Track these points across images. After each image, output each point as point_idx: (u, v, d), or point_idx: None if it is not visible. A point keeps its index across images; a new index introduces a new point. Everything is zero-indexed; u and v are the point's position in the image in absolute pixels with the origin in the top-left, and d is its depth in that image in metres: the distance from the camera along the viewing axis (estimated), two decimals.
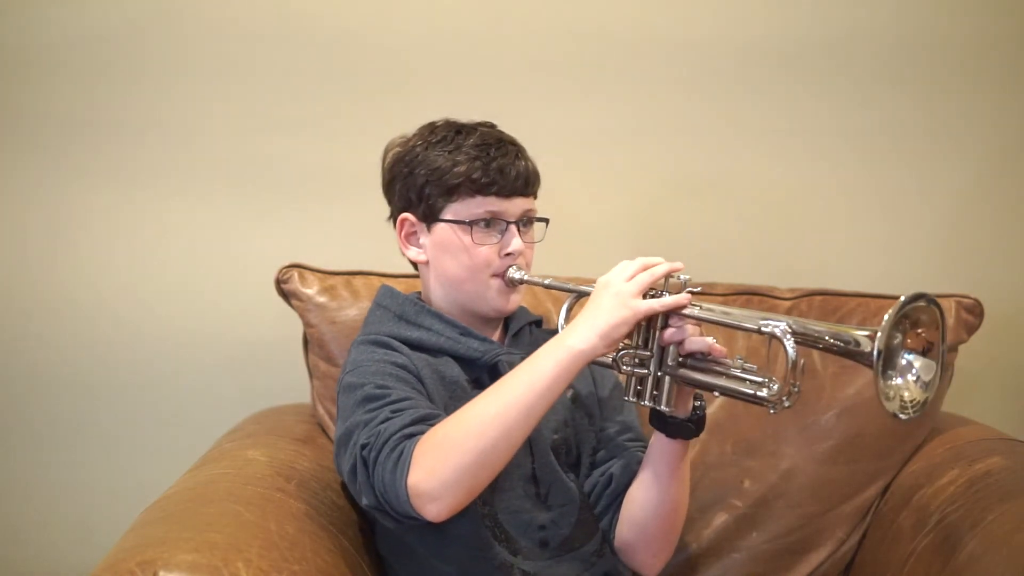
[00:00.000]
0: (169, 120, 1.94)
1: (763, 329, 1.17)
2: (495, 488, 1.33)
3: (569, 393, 1.46)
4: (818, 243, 2.01)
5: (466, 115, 1.46)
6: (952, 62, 1.98)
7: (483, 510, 1.34)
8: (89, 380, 1.98)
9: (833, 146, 2.00)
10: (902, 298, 1.09)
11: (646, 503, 1.37)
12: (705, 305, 1.24)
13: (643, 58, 1.97)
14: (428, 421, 1.24)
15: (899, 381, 1.13)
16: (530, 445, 1.38)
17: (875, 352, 1.07)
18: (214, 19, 1.93)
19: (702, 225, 2.00)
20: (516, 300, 1.45)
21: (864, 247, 2.01)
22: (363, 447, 1.24)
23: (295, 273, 1.69)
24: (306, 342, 1.71)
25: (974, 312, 1.70)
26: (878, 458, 1.65)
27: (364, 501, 1.26)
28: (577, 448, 1.45)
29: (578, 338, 1.21)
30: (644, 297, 1.23)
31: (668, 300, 1.22)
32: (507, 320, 1.50)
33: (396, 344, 1.39)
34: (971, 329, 1.70)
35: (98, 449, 2.00)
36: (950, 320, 1.67)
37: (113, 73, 1.93)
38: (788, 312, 1.74)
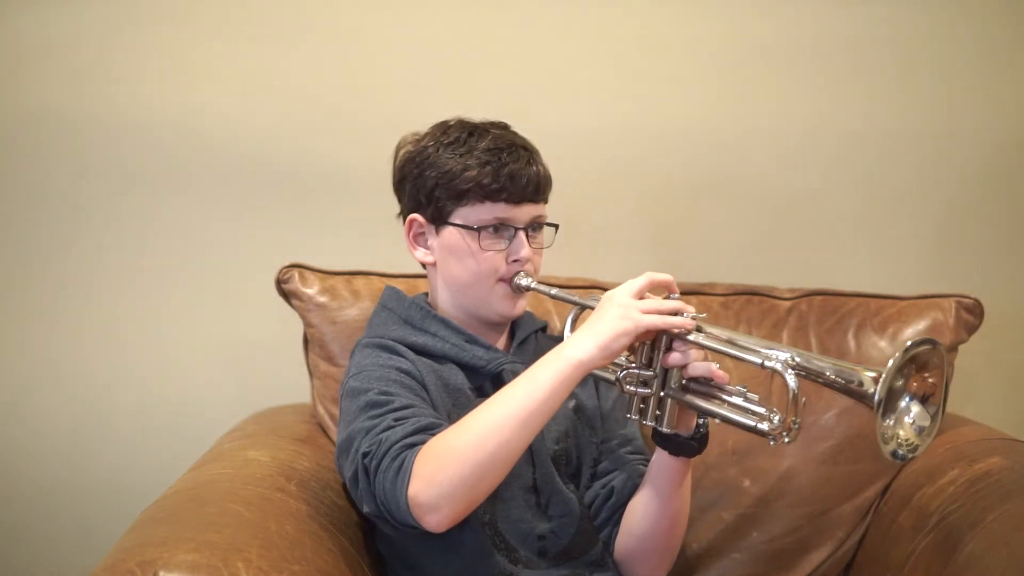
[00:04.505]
0: (169, 120, 1.94)
1: (766, 364, 1.16)
2: (496, 497, 1.33)
3: (572, 404, 1.46)
4: (818, 243, 2.01)
5: (472, 116, 1.45)
6: (952, 62, 1.98)
7: (483, 518, 1.34)
8: (88, 380, 1.98)
9: (835, 146, 2.00)
10: (908, 343, 1.08)
11: (646, 517, 1.37)
12: (709, 330, 1.23)
13: (646, 59, 1.97)
14: (430, 431, 1.24)
15: (896, 424, 1.12)
16: (531, 455, 1.38)
17: (876, 396, 1.07)
18: (214, 19, 1.93)
19: (702, 225, 2.00)
20: (522, 306, 1.44)
21: (864, 247, 2.01)
22: (364, 455, 1.24)
23: (295, 273, 1.69)
24: (306, 342, 1.71)
25: (974, 312, 1.70)
26: (878, 458, 1.63)
27: (365, 508, 1.26)
28: (578, 459, 1.45)
29: (577, 348, 1.20)
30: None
31: (672, 320, 1.21)
32: (513, 327, 1.50)
33: (401, 349, 1.38)
34: (971, 329, 1.70)
35: (98, 449, 1.99)
36: (950, 320, 1.67)
37: (113, 73, 1.93)
38: (788, 312, 1.74)
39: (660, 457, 1.33)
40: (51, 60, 1.92)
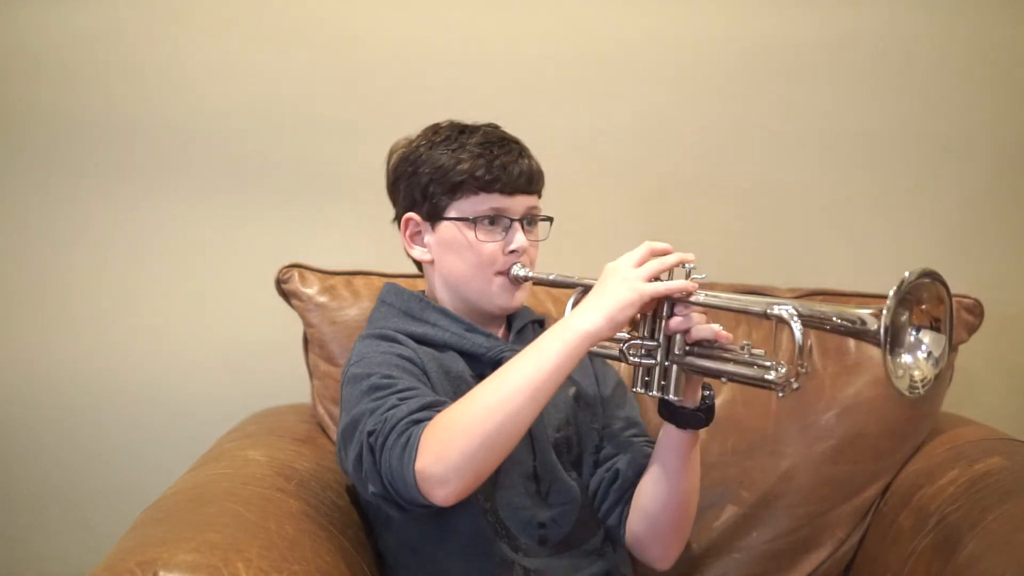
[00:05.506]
0: (169, 120, 1.94)
1: (769, 312, 1.17)
2: (496, 485, 1.34)
3: (571, 391, 1.46)
4: (818, 243, 2.01)
5: (468, 116, 1.46)
6: (952, 63, 1.98)
7: (485, 505, 1.34)
8: (89, 380, 1.98)
9: (834, 146, 2.00)
10: (906, 274, 1.09)
11: (657, 496, 1.36)
12: (710, 292, 1.24)
13: (645, 58, 1.97)
14: (435, 407, 1.24)
15: (908, 359, 1.12)
16: (532, 443, 1.38)
17: (882, 329, 1.07)
18: (214, 19, 1.93)
19: (702, 225, 2.00)
20: (521, 298, 1.45)
21: (864, 247, 2.01)
22: (370, 434, 1.23)
23: (295, 273, 1.69)
24: (306, 342, 1.71)
25: (974, 312, 1.70)
26: (878, 458, 1.65)
27: (371, 489, 1.25)
28: (579, 446, 1.45)
29: (584, 320, 1.20)
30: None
31: (674, 284, 1.22)
32: (510, 319, 1.51)
33: (401, 338, 1.39)
34: (971, 329, 1.70)
35: (98, 449, 1.99)
36: None
37: (112, 73, 1.93)
38: None
39: (667, 432, 1.33)
40: (51, 60, 1.92)
